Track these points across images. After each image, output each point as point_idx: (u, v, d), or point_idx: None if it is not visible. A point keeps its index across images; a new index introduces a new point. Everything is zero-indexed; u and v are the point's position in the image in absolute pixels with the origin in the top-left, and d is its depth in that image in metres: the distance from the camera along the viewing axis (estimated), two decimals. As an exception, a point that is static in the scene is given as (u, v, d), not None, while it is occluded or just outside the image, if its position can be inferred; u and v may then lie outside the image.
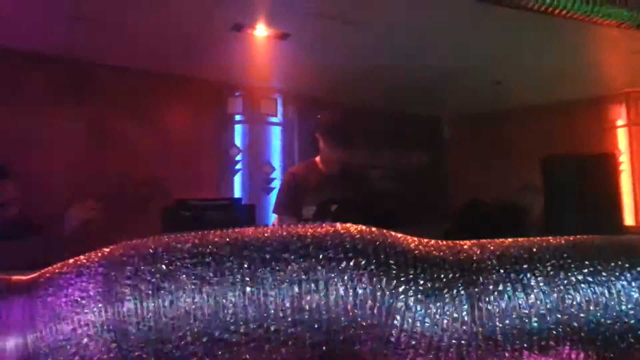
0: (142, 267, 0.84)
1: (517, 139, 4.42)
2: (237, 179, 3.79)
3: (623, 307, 0.88)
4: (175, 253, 0.85)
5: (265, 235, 0.89)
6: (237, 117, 3.84)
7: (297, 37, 2.96)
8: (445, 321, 0.82)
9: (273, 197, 3.86)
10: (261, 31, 2.85)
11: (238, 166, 3.81)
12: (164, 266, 0.84)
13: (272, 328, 0.79)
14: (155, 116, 3.46)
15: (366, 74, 3.60)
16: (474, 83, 3.84)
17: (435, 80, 3.80)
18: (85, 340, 0.82)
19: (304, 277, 0.81)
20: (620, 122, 4.21)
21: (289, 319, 0.80)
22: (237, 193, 3.77)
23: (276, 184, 3.85)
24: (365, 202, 1.46)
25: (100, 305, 0.84)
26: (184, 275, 0.82)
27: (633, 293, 0.90)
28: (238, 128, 3.84)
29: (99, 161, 3.23)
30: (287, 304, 0.80)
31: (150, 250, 0.87)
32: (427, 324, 0.82)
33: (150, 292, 0.82)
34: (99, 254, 0.91)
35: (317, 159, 2.46)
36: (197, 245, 0.86)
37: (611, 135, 4.21)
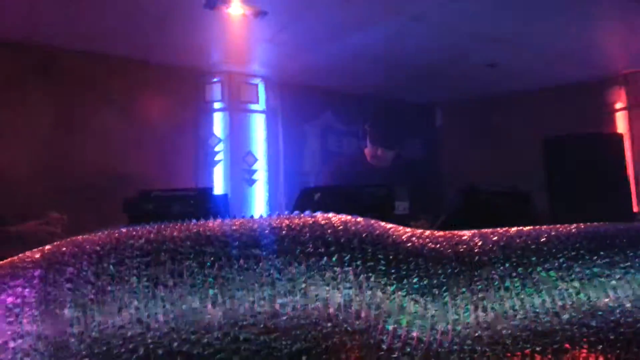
0: (85, 268, 0.71)
1: (514, 124, 4.30)
2: (218, 171, 3.64)
3: (646, 303, 0.77)
4: (125, 251, 0.72)
5: (233, 228, 0.76)
6: (216, 105, 3.69)
7: (275, 16, 2.81)
8: (444, 324, 0.70)
9: (255, 189, 3.72)
10: (236, 9, 2.71)
11: (218, 157, 3.66)
12: (111, 266, 0.71)
13: (242, 337, 0.67)
14: (127, 104, 3.29)
15: (354, 58, 3.44)
16: (468, 66, 3.71)
17: (428, 65, 3.67)
18: (19, 355, 0.69)
19: (277, 276, 0.69)
20: (619, 105, 4.10)
21: (262, 326, 0.67)
22: (218, 185, 3.62)
23: (259, 176, 3.71)
24: (355, 191, 1.35)
25: (36, 313, 0.71)
26: (135, 277, 0.69)
27: (656, 286, 0.79)
28: (217, 116, 3.69)
29: (65, 153, 3.05)
30: (259, 309, 0.67)
31: (97, 248, 0.74)
32: (423, 328, 0.70)
33: (94, 297, 0.69)
34: (38, 254, 0.78)
35: (366, 151, 2.45)
36: (152, 242, 0.73)
37: (611, 119, 4.10)
